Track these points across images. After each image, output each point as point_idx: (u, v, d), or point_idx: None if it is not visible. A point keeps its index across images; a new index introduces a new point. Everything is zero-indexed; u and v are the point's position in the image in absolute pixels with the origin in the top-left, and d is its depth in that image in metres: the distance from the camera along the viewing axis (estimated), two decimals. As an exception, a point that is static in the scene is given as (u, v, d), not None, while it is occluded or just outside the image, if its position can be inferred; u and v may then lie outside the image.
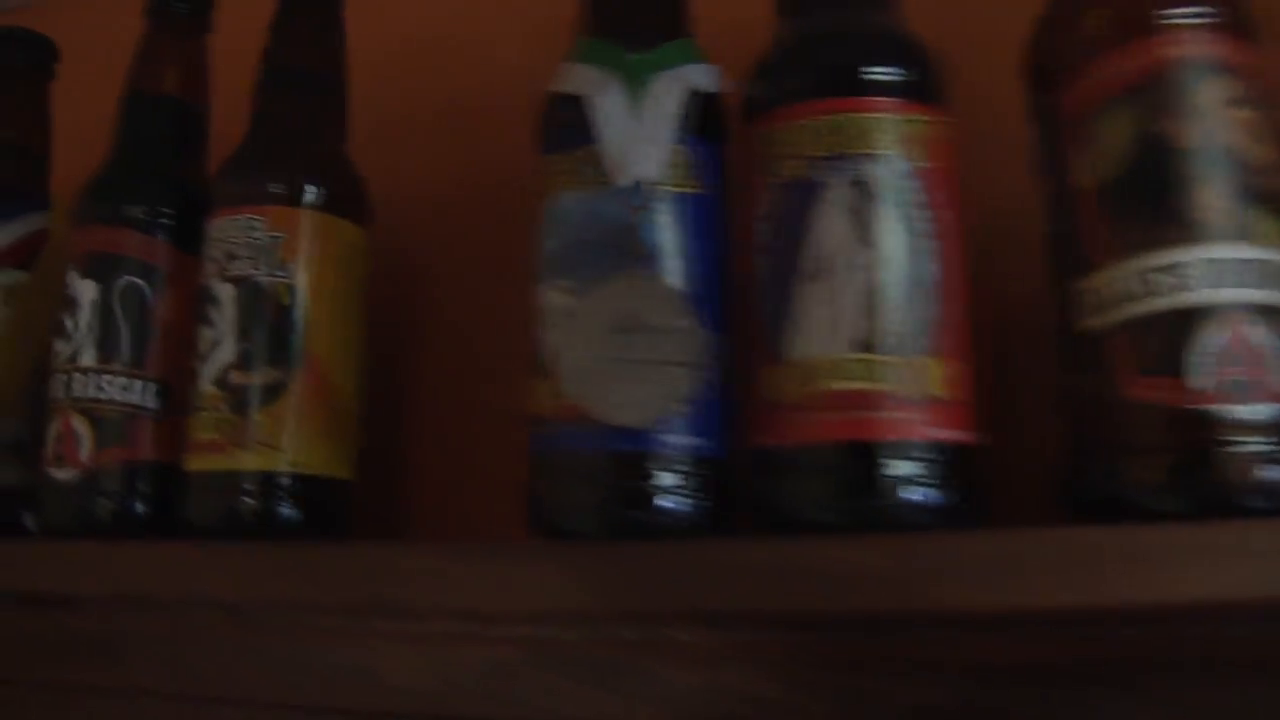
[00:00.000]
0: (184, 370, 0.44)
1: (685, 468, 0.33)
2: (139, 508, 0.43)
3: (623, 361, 0.33)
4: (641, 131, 0.35)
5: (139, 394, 0.44)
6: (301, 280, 0.41)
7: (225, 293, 0.41)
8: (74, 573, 0.41)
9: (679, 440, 0.34)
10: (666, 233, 0.35)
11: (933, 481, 0.31)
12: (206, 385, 0.41)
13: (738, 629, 0.35)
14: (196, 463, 0.40)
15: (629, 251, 0.34)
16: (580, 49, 0.38)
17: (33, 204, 0.52)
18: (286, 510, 0.40)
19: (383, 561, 0.35)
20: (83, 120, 0.54)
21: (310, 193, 0.42)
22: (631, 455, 0.33)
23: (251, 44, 0.46)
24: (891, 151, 0.33)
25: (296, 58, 0.45)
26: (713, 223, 0.36)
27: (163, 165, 0.47)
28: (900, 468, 0.31)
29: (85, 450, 0.43)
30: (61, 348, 0.45)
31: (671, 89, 0.36)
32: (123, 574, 0.40)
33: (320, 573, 0.37)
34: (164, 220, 0.45)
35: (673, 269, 0.35)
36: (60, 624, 0.46)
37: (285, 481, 0.40)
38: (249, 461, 0.39)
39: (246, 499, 0.39)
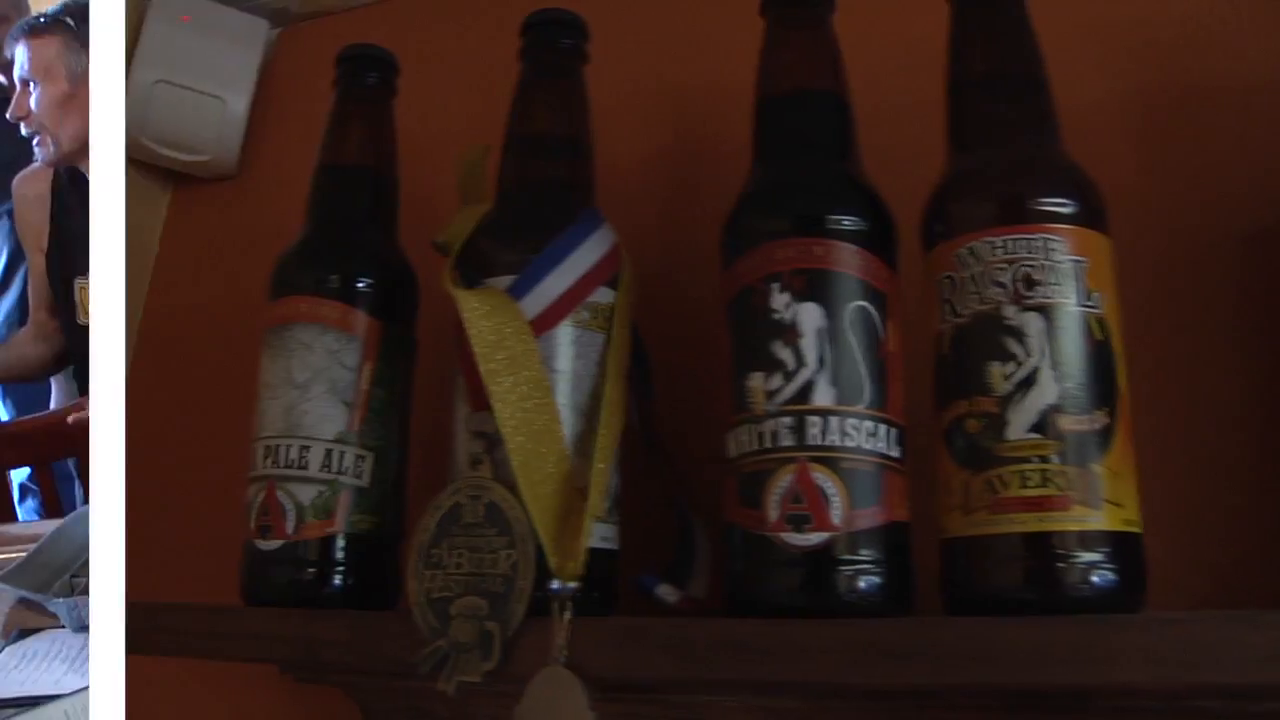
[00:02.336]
0: (904, 410, 0.38)
1: None
2: (896, 580, 0.36)
3: None
4: None
5: (886, 441, 0.37)
6: (1107, 310, 0.36)
7: (1031, 323, 0.35)
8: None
9: None
10: None
11: None
12: (1019, 431, 0.35)
13: None
14: (1009, 523, 0.34)
15: None
16: None
17: (597, 212, 0.44)
18: (1106, 576, 0.34)
19: None
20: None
21: (1096, 211, 0.37)
22: None
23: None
24: None
25: (994, 59, 0.40)
26: None
27: (828, 167, 0.41)
28: None
29: (837, 511, 0.36)
30: (773, 383, 0.37)
31: None
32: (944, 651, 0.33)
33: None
34: (872, 233, 0.39)
35: None
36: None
37: (1119, 542, 0.34)
38: (1095, 521, 0.34)
39: (1075, 564, 0.34)
